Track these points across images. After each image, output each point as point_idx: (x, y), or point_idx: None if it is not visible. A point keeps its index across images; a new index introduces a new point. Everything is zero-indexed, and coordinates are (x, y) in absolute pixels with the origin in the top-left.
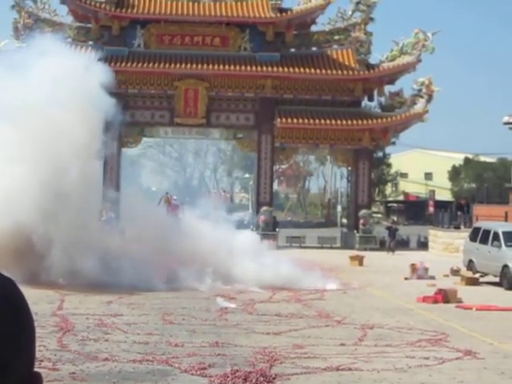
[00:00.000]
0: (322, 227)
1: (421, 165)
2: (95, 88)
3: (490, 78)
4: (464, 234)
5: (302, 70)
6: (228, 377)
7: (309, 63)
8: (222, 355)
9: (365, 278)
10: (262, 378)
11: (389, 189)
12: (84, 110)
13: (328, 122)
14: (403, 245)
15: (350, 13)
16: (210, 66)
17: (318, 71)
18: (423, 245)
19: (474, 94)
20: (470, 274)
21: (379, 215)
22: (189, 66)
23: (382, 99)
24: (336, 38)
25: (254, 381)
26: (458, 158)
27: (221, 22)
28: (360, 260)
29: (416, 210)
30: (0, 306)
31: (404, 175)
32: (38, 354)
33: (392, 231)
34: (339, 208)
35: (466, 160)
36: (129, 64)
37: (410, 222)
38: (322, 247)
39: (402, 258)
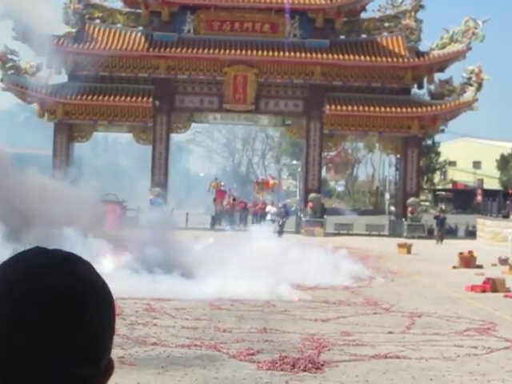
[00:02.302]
0: (370, 215)
1: (469, 153)
2: None
3: None
4: None
5: (351, 57)
6: (276, 363)
7: (358, 50)
8: (270, 341)
9: (412, 266)
10: (310, 365)
11: (437, 177)
12: None
13: (377, 109)
14: (451, 233)
15: (400, 0)
16: (260, 53)
17: (367, 58)
18: (471, 234)
19: None
20: None
21: (427, 203)
22: (238, 52)
23: (432, 87)
24: (386, 25)
25: (302, 367)
26: (506, 147)
27: (270, 9)
28: (408, 248)
29: (464, 199)
30: (96, 292)
31: (452, 163)
32: None
33: (440, 220)
34: (387, 196)
35: None
36: (178, 50)
37: (458, 210)
38: (369, 235)
39: (449, 247)
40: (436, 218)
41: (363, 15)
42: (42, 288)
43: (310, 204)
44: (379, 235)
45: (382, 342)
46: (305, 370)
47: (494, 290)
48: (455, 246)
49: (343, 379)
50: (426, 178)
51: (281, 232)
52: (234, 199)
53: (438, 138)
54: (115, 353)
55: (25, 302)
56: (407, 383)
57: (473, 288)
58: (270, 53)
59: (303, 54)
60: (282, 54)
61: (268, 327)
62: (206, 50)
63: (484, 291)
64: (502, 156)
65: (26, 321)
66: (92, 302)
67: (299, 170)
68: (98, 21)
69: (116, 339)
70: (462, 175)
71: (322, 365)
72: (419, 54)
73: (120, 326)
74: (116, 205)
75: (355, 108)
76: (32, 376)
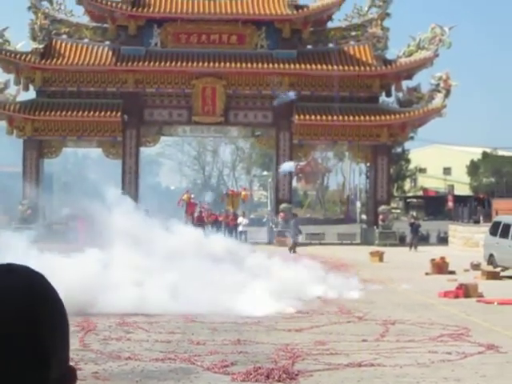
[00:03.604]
0: (342, 224)
1: (439, 160)
2: None
3: (508, 70)
4: (484, 228)
5: (319, 66)
6: (250, 374)
7: (326, 60)
8: (244, 353)
9: (385, 274)
10: (284, 375)
11: (408, 184)
12: None
13: (346, 118)
14: (423, 240)
15: (366, 8)
16: (227, 64)
17: (335, 68)
18: (443, 240)
19: (492, 87)
20: (490, 268)
21: (398, 211)
22: (206, 64)
23: (400, 95)
24: (353, 34)
25: (276, 378)
26: (476, 153)
27: (237, 20)
28: (380, 256)
29: (435, 206)
30: (38, 303)
31: (423, 170)
32: None
33: (414, 227)
34: (358, 204)
35: (484, 154)
36: (146, 63)
37: (430, 217)
38: (341, 243)
39: (422, 254)
40: (411, 225)
41: (330, 25)
42: None
43: (282, 214)
44: (351, 244)
45: (356, 351)
46: (279, 381)
47: (467, 295)
48: (427, 253)
49: None
50: (396, 186)
51: (294, 248)
52: (201, 211)
53: (407, 145)
54: (89, 368)
55: None
56: None
57: (446, 294)
58: (238, 64)
59: (271, 65)
60: (249, 65)
61: (242, 339)
62: (173, 63)
63: (457, 297)
64: (472, 162)
65: None
66: (31, 313)
67: (270, 180)
68: (64, 36)
69: (89, 354)
70: (433, 182)
71: (297, 375)
72: (386, 62)
73: (93, 342)
74: (86, 219)
75: (324, 117)
76: None
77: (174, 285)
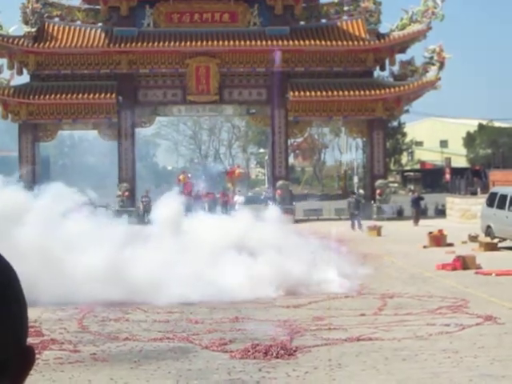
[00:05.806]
0: (339, 199)
1: (436, 132)
2: None
3: (503, 41)
4: (481, 200)
5: (312, 42)
6: (248, 351)
7: (319, 35)
8: (242, 330)
9: (383, 248)
10: (282, 351)
11: (404, 158)
12: None
13: (341, 93)
14: (421, 214)
15: None
16: (221, 43)
17: (328, 43)
18: (441, 212)
19: (486, 59)
20: (488, 239)
21: (396, 185)
22: (199, 43)
23: (394, 68)
24: (345, 8)
25: (274, 354)
26: (472, 125)
27: None
28: (378, 230)
29: (432, 178)
30: None
31: (419, 144)
32: (59, 337)
33: (416, 201)
34: (356, 179)
35: (481, 126)
36: (139, 44)
37: (427, 190)
38: (339, 219)
39: (420, 227)
40: (415, 200)
41: (322, 0)
42: None
43: (279, 191)
44: (349, 219)
45: (354, 325)
46: (277, 357)
47: (465, 267)
48: (426, 226)
49: (316, 364)
50: (393, 160)
51: (360, 225)
52: (198, 190)
53: (403, 118)
54: (88, 350)
55: None
56: (380, 364)
57: (443, 266)
58: (231, 42)
59: (264, 42)
60: (242, 43)
61: (240, 316)
62: (166, 43)
63: (455, 269)
64: (468, 133)
65: None
66: None
67: (266, 158)
68: (57, 19)
69: (88, 336)
70: (430, 155)
71: (295, 351)
72: (380, 36)
73: (91, 323)
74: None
75: (318, 93)
76: None
77: None
